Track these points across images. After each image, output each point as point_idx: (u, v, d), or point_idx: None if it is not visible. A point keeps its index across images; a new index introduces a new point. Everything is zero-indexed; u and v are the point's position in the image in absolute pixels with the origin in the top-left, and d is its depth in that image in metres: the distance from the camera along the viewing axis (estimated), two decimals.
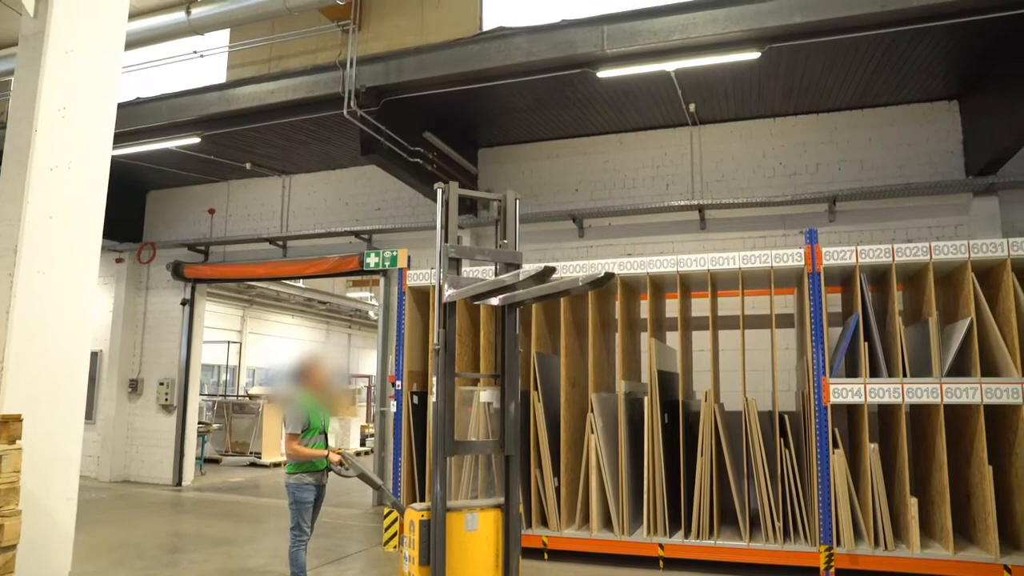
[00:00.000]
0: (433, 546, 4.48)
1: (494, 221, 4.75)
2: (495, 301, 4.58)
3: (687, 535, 6.77)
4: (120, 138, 8.52)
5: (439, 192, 4.65)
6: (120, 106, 3.51)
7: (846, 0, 6.56)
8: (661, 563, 6.73)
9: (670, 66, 7.52)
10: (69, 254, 3.26)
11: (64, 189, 3.23)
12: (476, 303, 4.56)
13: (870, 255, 6.66)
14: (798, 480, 6.58)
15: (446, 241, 4.60)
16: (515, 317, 4.64)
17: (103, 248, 3.46)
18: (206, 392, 19.50)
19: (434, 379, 4.53)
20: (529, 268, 3.56)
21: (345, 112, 8.00)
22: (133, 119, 9.23)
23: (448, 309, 4.52)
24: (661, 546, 6.74)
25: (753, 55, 7.09)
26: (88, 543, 7.41)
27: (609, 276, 3.60)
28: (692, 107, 9.00)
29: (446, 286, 4.50)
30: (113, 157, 3.36)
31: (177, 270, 12.21)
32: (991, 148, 7.83)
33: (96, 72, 3.33)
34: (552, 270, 3.51)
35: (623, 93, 8.71)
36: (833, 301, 7.70)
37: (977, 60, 7.70)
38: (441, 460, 4.47)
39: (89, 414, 12.14)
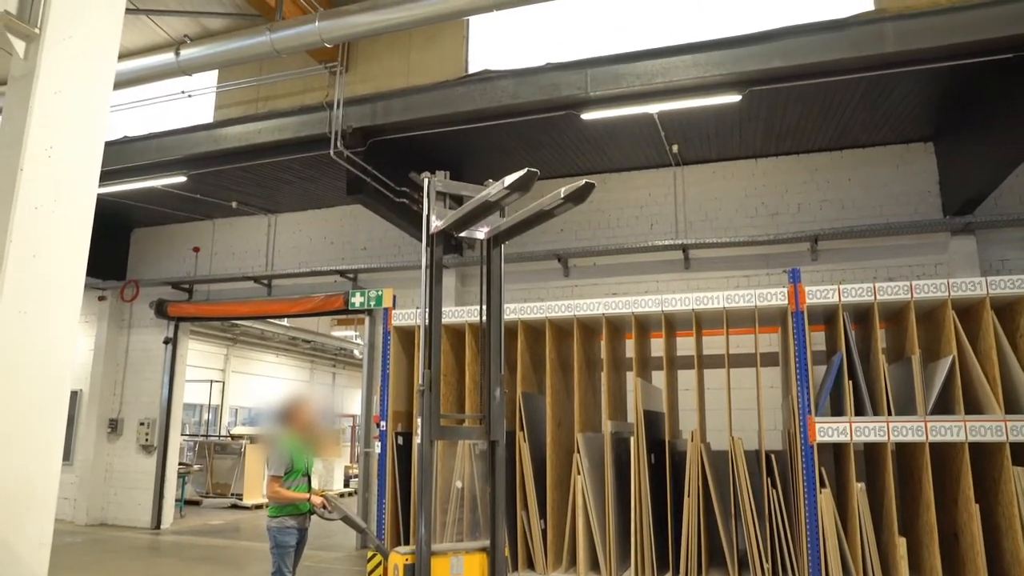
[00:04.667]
0: None
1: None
2: (480, 234, 4.63)
3: None
4: (107, 176, 8.55)
5: (425, 182, 4.76)
6: (108, 144, 3.52)
7: (823, 45, 6.74)
8: None
9: (653, 108, 7.65)
10: (52, 293, 3.23)
11: (48, 228, 3.21)
12: (459, 234, 4.63)
13: (852, 294, 6.72)
14: (786, 520, 6.53)
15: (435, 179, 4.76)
16: (500, 255, 4.68)
17: (86, 286, 3.45)
18: (187, 432, 19.19)
19: (419, 420, 4.49)
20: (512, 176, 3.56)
21: (332, 152, 8.06)
22: (121, 157, 9.26)
23: (435, 239, 4.60)
24: None
25: (734, 98, 7.24)
26: None
27: (590, 187, 3.55)
28: (675, 148, 9.14)
29: (433, 217, 4.59)
30: (99, 195, 3.36)
31: (160, 308, 12.11)
32: (966, 189, 7.99)
33: (84, 112, 3.35)
34: (535, 173, 3.48)
35: (607, 134, 8.84)
36: (817, 339, 7.75)
37: (950, 104, 7.90)
38: (427, 446, 4.40)
39: (66, 455, 11.80)
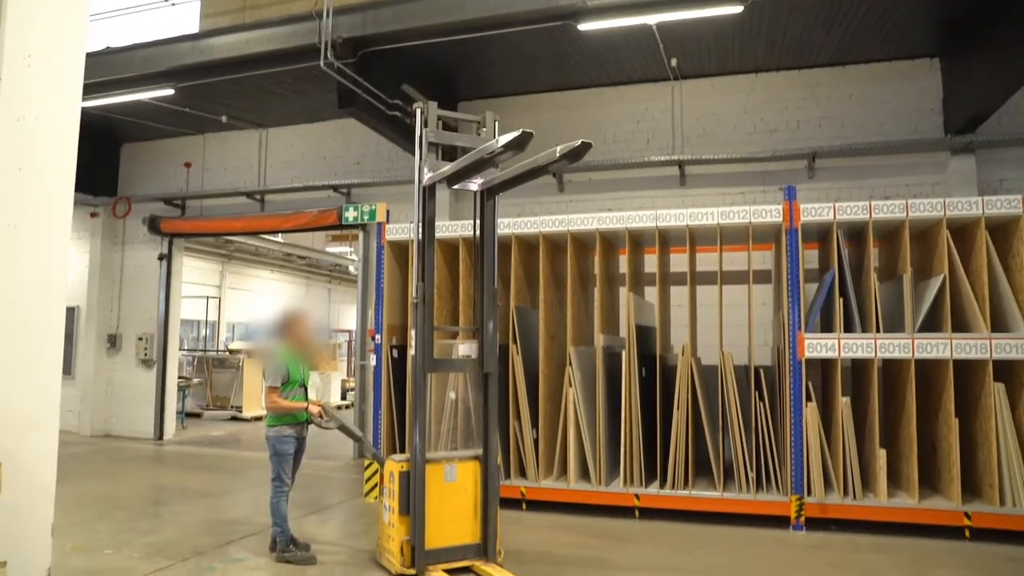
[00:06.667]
0: (413, 496, 4.56)
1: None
2: (474, 186, 4.60)
3: (662, 486, 6.93)
4: (91, 89, 8.34)
5: (418, 112, 4.64)
6: (90, 56, 3.42)
7: None
8: (637, 513, 6.90)
9: (652, 19, 7.42)
10: (41, 207, 3.21)
11: (33, 140, 3.16)
12: (454, 187, 4.59)
13: (848, 212, 6.71)
14: (772, 432, 6.73)
15: (426, 127, 4.62)
16: (494, 207, 4.66)
17: (77, 202, 3.43)
18: (186, 347, 19.42)
19: (413, 332, 4.56)
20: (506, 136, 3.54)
21: (322, 64, 7.85)
22: (104, 69, 8.99)
23: (428, 193, 4.55)
24: (637, 496, 6.90)
25: (736, 8, 7.01)
26: (69, 496, 7.44)
27: (587, 146, 3.56)
28: (674, 62, 8.91)
29: (425, 169, 4.53)
30: (85, 109, 3.29)
31: (153, 225, 12.05)
32: (971, 107, 7.86)
33: (63, 20, 3.24)
34: (530, 135, 3.48)
35: (604, 46, 8.60)
36: (810, 257, 7.78)
37: (959, 18, 7.68)
38: (421, 379, 4.50)
39: (68, 369, 12.07)
